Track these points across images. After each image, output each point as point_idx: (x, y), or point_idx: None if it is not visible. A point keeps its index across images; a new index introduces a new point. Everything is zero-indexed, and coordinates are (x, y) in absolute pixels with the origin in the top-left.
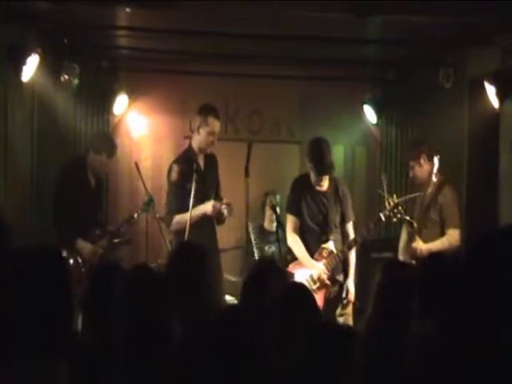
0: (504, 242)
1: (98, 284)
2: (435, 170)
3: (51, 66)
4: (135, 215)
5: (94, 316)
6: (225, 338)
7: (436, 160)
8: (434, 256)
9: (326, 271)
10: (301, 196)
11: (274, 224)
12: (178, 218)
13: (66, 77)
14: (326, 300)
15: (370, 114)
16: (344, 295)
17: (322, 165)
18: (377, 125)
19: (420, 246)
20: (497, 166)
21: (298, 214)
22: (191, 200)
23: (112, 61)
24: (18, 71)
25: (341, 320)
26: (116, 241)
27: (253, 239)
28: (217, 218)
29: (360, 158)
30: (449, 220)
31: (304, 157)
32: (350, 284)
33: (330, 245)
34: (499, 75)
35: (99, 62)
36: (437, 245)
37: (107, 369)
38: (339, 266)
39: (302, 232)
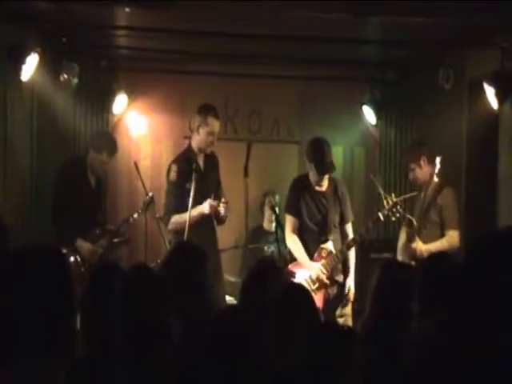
0: (503, 244)
1: (98, 283)
2: (436, 170)
3: (51, 65)
4: (135, 215)
5: (94, 316)
6: (224, 338)
7: (438, 161)
8: (435, 256)
9: (325, 271)
10: (300, 196)
11: (273, 224)
12: (175, 217)
13: (66, 76)
14: (326, 300)
15: (369, 114)
16: (346, 292)
17: (323, 164)
18: (376, 125)
19: (419, 246)
20: (496, 166)
21: (296, 214)
22: (190, 200)
23: (111, 60)
24: (18, 71)
25: (340, 321)
26: (115, 240)
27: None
28: (215, 216)
29: (359, 158)
30: (448, 221)
31: (303, 157)
32: (351, 283)
33: (329, 245)
34: (498, 76)
35: (98, 62)
36: (436, 246)
37: (107, 368)
38: (338, 266)
39: (301, 232)
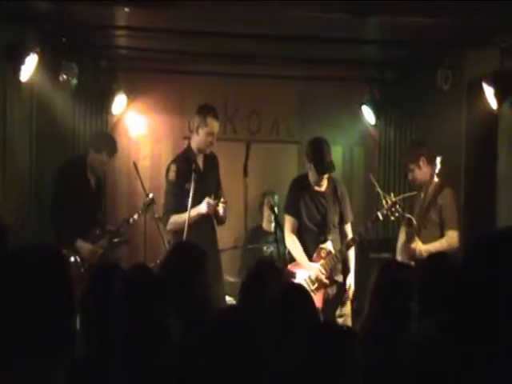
0: (502, 244)
1: (97, 284)
2: (437, 170)
3: (50, 65)
4: (135, 216)
5: (93, 316)
6: (223, 338)
7: (438, 161)
8: (434, 256)
9: (324, 271)
10: (299, 196)
11: (273, 224)
12: (174, 217)
13: (65, 76)
14: (325, 300)
15: (368, 114)
16: (346, 289)
17: (322, 164)
18: (375, 125)
19: (419, 246)
20: (495, 166)
21: (296, 214)
22: (190, 200)
23: (111, 60)
24: (17, 71)
25: (340, 321)
26: (115, 240)
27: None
28: (215, 216)
29: (358, 158)
30: (448, 221)
31: (303, 157)
32: (351, 281)
33: (329, 245)
34: (498, 76)
35: (98, 62)
36: (436, 246)
37: (106, 369)
38: (338, 265)
39: (300, 232)
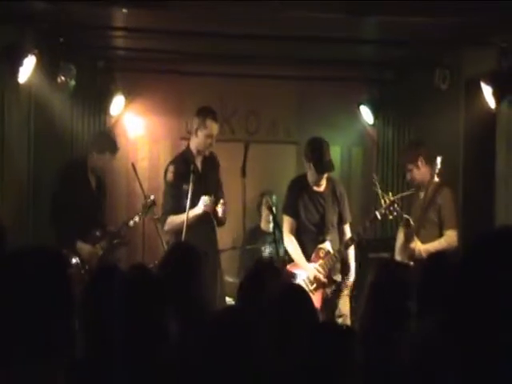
0: (500, 243)
1: (97, 284)
2: (437, 170)
3: (48, 67)
4: (136, 218)
5: (93, 316)
6: (223, 339)
7: (439, 161)
8: (435, 256)
9: (321, 270)
10: (298, 197)
11: (271, 225)
12: (171, 218)
13: (63, 78)
14: (324, 301)
15: (366, 114)
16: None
17: (322, 163)
18: (373, 125)
19: (418, 246)
20: (493, 166)
21: (294, 215)
22: (188, 201)
23: (108, 61)
24: (15, 72)
25: (339, 321)
26: (115, 242)
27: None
28: (213, 216)
29: (356, 158)
30: (447, 221)
31: (301, 157)
32: (352, 278)
33: (327, 245)
34: (496, 75)
35: (96, 63)
36: (435, 245)
37: (106, 369)
38: (336, 265)
39: (299, 232)
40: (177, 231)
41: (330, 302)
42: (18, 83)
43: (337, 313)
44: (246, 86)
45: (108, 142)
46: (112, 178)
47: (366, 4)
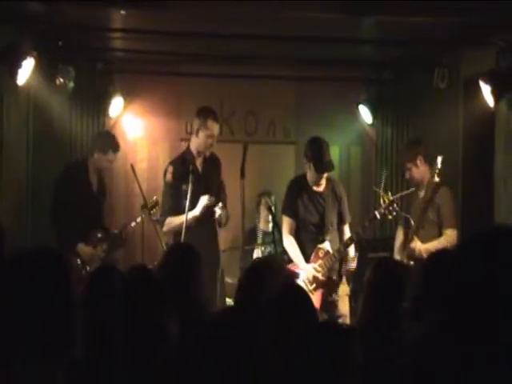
0: (499, 242)
1: (97, 285)
2: (437, 170)
3: (46, 69)
4: (138, 219)
5: (93, 316)
6: (222, 339)
7: (439, 161)
8: (435, 255)
9: (320, 269)
10: (297, 197)
11: (270, 225)
12: (170, 219)
13: (62, 80)
14: (323, 301)
15: (365, 114)
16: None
17: (322, 163)
18: (372, 125)
19: (418, 246)
20: (492, 165)
21: (293, 215)
22: (187, 202)
23: (107, 63)
24: (14, 74)
25: (339, 321)
26: (115, 243)
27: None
28: (210, 217)
29: (355, 158)
30: (446, 220)
31: (300, 157)
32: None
33: (326, 245)
34: (494, 74)
35: (94, 65)
36: (434, 245)
37: (106, 369)
38: (335, 265)
39: (298, 232)
40: (176, 232)
41: (331, 303)
42: (16, 85)
43: (336, 313)
44: (244, 87)
45: (110, 140)
46: (111, 179)
47: (366, 4)
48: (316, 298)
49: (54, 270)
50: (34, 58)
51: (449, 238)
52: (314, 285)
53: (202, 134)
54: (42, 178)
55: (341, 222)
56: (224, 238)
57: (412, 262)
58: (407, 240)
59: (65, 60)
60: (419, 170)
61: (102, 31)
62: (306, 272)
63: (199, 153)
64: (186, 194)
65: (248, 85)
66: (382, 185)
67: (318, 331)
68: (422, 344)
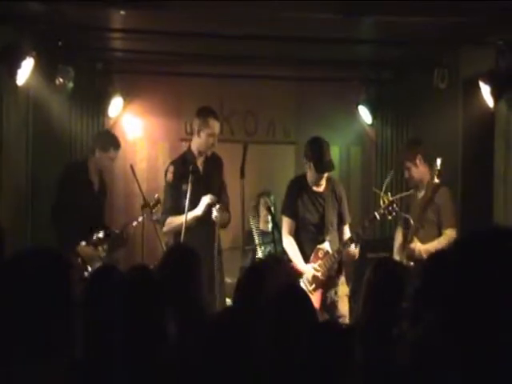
0: (498, 241)
1: (97, 285)
2: (437, 172)
3: (46, 69)
4: (140, 218)
5: (93, 316)
6: (222, 339)
7: (439, 162)
8: (435, 255)
9: (319, 268)
10: (297, 197)
11: (270, 225)
12: (170, 219)
13: (61, 80)
14: (323, 301)
15: (365, 114)
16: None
17: (322, 163)
18: (372, 125)
19: (418, 247)
20: (492, 164)
21: (293, 215)
22: (187, 202)
23: (107, 63)
24: (13, 74)
25: (339, 321)
26: (115, 243)
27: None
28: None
29: (355, 158)
30: (446, 220)
31: (299, 157)
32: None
33: (326, 245)
34: (494, 74)
35: (94, 65)
36: (434, 245)
37: (106, 368)
38: (334, 265)
39: (298, 232)
40: (176, 232)
41: (330, 303)
42: (16, 85)
43: (336, 313)
44: (244, 87)
45: (110, 138)
46: (111, 179)
47: (366, 4)
48: (316, 299)
49: (54, 270)
50: (34, 58)
51: (449, 237)
52: (314, 285)
53: (203, 134)
54: (41, 178)
55: (341, 223)
56: (224, 238)
57: (412, 263)
58: (406, 240)
59: (64, 60)
60: (418, 170)
61: (101, 31)
62: (305, 272)
63: (201, 152)
64: (186, 193)
65: (248, 85)
66: (384, 186)
67: (318, 331)
68: (421, 344)
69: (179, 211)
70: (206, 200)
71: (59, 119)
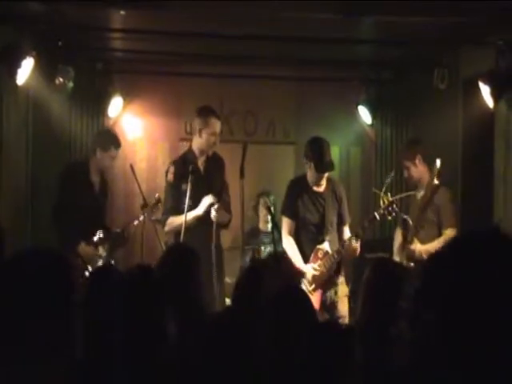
0: (498, 241)
1: (97, 285)
2: (436, 173)
3: (46, 69)
4: (141, 218)
5: (93, 316)
6: (222, 339)
7: (438, 163)
8: (435, 255)
9: (319, 268)
10: (297, 197)
11: (269, 225)
12: (171, 219)
13: (61, 80)
14: (323, 302)
15: (364, 114)
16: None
17: (322, 163)
18: (372, 125)
19: (418, 247)
20: (492, 165)
21: (293, 216)
22: (187, 202)
23: (106, 63)
24: (13, 74)
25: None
26: (116, 242)
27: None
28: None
29: (355, 158)
30: (445, 220)
31: (299, 158)
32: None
33: (326, 245)
34: (494, 75)
35: (94, 65)
36: (434, 245)
37: (106, 368)
38: (334, 266)
39: (298, 232)
40: (177, 232)
41: (330, 303)
42: (16, 85)
43: (336, 314)
44: (244, 87)
45: (111, 137)
46: (111, 179)
47: (366, 4)
48: (315, 299)
49: (54, 271)
50: (34, 57)
51: (449, 238)
52: (314, 285)
53: (205, 133)
54: (41, 178)
55: (341, 223)
56: (224, 237)
57: (412, 264)
58: (406, 241)
59: (64, 60)
60: (418, 170)
61: (101, 31)
62: (305, 273)
63: (202, 152)
64: (186, 193)
65: (248, 85)
66: (385, 187)
67: (318, 331)
68: (421, 344)
69: (180, 211)
70: (207, 200)
71: (59, 119)
